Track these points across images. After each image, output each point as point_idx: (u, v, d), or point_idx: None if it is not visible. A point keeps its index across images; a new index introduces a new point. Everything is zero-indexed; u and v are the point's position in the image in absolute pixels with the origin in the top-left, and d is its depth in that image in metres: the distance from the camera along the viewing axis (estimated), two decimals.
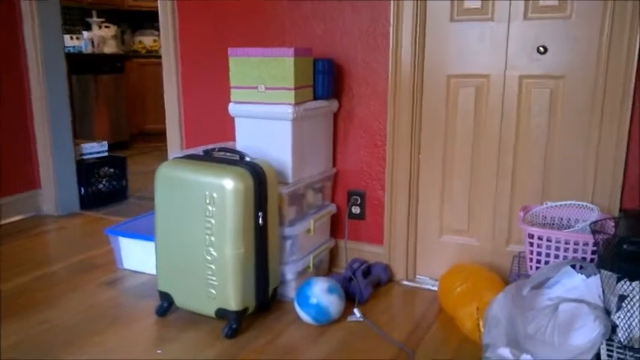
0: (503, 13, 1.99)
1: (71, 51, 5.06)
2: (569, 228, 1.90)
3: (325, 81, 2.16)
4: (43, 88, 3.10)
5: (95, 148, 3.49)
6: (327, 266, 2.37)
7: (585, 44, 1.90)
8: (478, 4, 2.02)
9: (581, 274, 1.65)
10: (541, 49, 1.95)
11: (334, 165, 2.38)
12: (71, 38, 5.18)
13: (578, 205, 1.93)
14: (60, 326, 1.93)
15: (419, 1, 2.08)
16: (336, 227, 2.41)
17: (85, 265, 2.48)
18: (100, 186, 3.46)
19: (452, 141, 2.18)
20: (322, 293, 1.90)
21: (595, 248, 1.67)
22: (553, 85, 1.97)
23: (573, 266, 1.68)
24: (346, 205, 2.39)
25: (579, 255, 1.74)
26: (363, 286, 2.09)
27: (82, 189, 3.36)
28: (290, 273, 2.07)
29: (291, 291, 2.09)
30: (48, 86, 3.11)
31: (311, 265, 2.17)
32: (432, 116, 2.19)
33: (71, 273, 2.40)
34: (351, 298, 2.06)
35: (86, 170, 3.36)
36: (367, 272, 2.24)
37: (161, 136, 5.49)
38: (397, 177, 2.24)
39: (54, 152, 3.18)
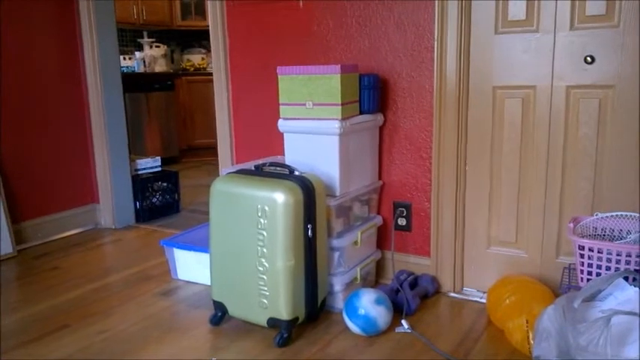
0: (549, 23, 1.99)
1: (125, 71, 5.31)
2: (620, 239, 1.87)
3: (371, 96, 2.21)
4: (102, 107, 3.26)
5: (149, 164, 3.64)
6: (374, 278, 2.40)
7: (635, 53, 1.88)
8: (523, 16, 2.03)
9: (634, 286, 1.62)
10: (588, 58, 1.94)
11: (380, 177, 2.41)
12: (124, 59, 5.44)
13: (630, 215, 1.89)
14: (117, 335, 2.03)
15: (463, 15, 2.10)
16: (382, 239, 2.44)
17: (140, 276, 2.59)
18: (154, 200, 3.60)
19: (498, 152, 2.18)
20: (370, 304, 1.93)
21: None
22: (602, 94, 1.95)
23: (626, 278, 1.65)
24: (392, 217, 2.41)
25: (631, 267, 1.71)
26: (411, 298, 2.11)
27: (138, 203, 3.50)
28: (338, 284, 2.11)
29: (339, 302, 2.12)
30: (106, 105, 3.27)
31: (358, 276, 2.20)
32: (478, 128, 2.20)
33: (128, 284, 2.51)
34: (398, 310, 2.08)
35: (141, 185, 3.51)
36: (414, 284, 2.25)
37: (209, 150, 5.67)
38: (443, 189, 2.25)
39: (111, 168, 3.34)
